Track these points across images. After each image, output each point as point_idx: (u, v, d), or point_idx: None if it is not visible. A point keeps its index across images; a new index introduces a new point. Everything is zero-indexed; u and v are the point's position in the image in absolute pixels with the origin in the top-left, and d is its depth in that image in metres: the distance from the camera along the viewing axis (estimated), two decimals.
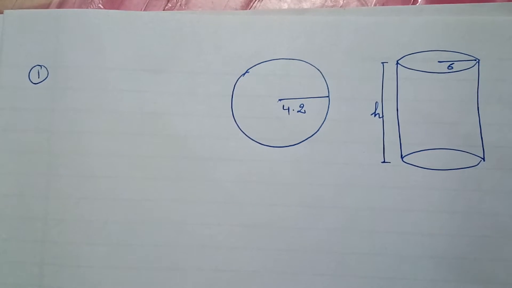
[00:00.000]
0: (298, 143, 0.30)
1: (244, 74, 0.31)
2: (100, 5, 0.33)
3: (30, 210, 0.30)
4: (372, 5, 0.33)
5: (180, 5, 0.33)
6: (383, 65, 0.31)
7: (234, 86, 0.31)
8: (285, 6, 0.33)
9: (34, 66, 0.31)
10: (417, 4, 0.33)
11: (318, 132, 0.30)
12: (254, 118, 0.31)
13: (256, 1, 0.33)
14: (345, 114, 0.30)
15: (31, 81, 0.31)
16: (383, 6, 0.33)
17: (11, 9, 0.33)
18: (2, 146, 0.30)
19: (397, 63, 0.31)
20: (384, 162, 0.30)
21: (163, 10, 0.33)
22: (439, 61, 0.31)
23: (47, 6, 0.33)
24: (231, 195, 0.30)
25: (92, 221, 0.30)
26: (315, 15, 0.32)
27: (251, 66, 0.31)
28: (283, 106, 0.31)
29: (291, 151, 0.30)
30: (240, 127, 0.30)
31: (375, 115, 0.30)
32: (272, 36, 0.31)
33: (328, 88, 0.31)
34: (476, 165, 0.30)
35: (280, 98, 0.31)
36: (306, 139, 0.30)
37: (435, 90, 0.31)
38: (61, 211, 0.30)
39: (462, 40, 0.31)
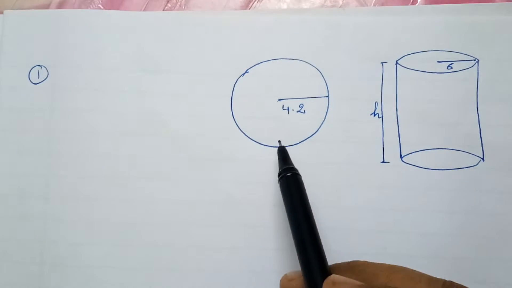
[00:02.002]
0: (298, 143, 0.30)
1: (243, 74, 0.31)
2: (100, 5, 0.33)
3: (30, 210, 0.30)
4: (372, 5, 0.33)
5: (179, 5, 0.33)
6: (382, 65, 0.31)
7: (234, 86, 0.31)
8: (284, 6, 0.33)
9: (34, 66, 0.31)
10: (417, 4, 0.33)
11: (317, 132, 0.30)
12: (254, 118, 0.31)
13: (256, 1, 0.33)
14: (345, 114, 0.30)
15: (31, 81, 0.31)
16: (383, 6, 0.33)
17: (11, 9, 0.33)
18: (2, 146, 0.30)
19: (397, 63, 0.31)
20: (383, 162, 0.30)
21: (163, 10, 0.33)
22: (438, 61, 0.31)
23: (47, 6, 0.33)
24: (230, 195, 0.30)
25: (91, 221, 0.30)
26: (315, 15, 0.32)
27: (251, 66, 0.31)
28: (283, 106, 0.31)
29: (291, 151, 0.30)
30: (240, 127, 0.31)
31: (374, 115, 0.30)
32: (272, 36, 0.31)
33: (327, 88, 0.31)
34: (476, 165, 0.30)
35: (279, 98, 0.31)
36: (306, 139, 0.30)
37: (435, 90, 0.31)
38: (61, 211, 0.30)
39: (461, 40, 0.31)
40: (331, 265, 0.24)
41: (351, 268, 0.22)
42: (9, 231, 0.30)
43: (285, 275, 0.25)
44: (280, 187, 0.27)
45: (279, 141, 0.30)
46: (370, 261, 0.22)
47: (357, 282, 0.21)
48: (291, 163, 0.28)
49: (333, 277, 0.22)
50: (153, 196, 0.30)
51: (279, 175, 0.27)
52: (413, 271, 0.21)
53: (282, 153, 0.29)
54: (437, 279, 0.20)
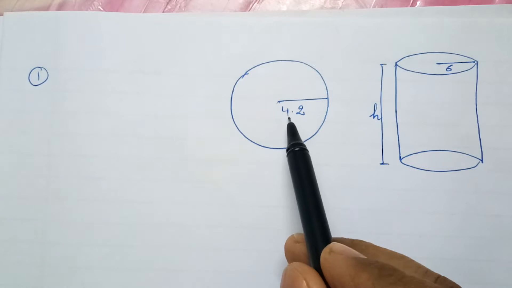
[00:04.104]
0: None
1: (243, 75, 0.31)
2: (99, 7, 0.33)
3: (30, 211, 0.30)
4: (371, 7, 0.33)
5: (179, 7, 0.33)
6: (382, 66, 0.31)
7: (234, 87, 0.31)
8: (284, 7, 0.33)
9: (34, 68, 0.31)
10: (416, 6, 0.33)
11: (317, 133, 0.30)
12: (253, 119, 0.31)
13: (255, 3, 0.33)
14: (344, 115, 0.30)
15: (31, 83, 0.31)
16: (382, 8, 0.33)
17: (11, 11, 0.33)
18: (2, 147, 0.30)
19: (396, 64, 0.31)
20: (382, 163, 0.30)
21: (163, 12, 0.33)
22: (437, 63, 0.31)
23: (47, 8, 0.33)
24: (230, 197, 0.30)
25: (91, 222, 0.30)
26: (314, 17, 0.32)
27: (251, 67, 0.31)
28: (282, 107, 0.31)
29: None
30: (239, 129, 0.31)
31: (373, 117, 0.30)
32: (271, 37, 0.32)
33: (327, 89, 0.31)
34: (474, 166, 0.30)
35: (279, 100, 0.31)
36: (305, 140, 0.30)
37: (434, 91, 0.31)
38: (61, 213, 0.30)
39: (460, 42, 0.31)
40: (334, 238, 0.23)
41: (353, 245, 0.22)
42: (9, 232, 0.30)
43: (292, 236, 0.25)
44: (288, 161, 0.27)
45: (289, 118, 0.30)
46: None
47: (354, 253, 0.21)
48: (300, 139, 0.28)
49: (332, 245, 0.21)
50: (153, 197, 0.30)
51: (287, 149, 0.28)
52: (412, 260, 0.21)
53: (291, 129, 0.29)
54: (432, 272, 0.20)
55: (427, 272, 0.21)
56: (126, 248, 0.29)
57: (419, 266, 0.21)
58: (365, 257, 0.21)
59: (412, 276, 0.18)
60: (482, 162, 0.30)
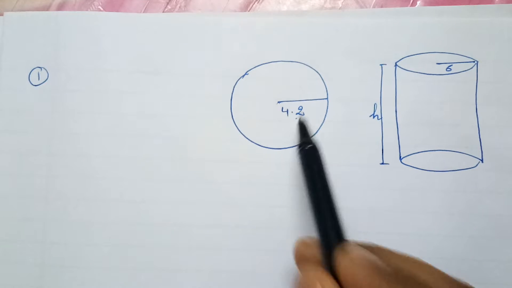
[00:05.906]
0: (297, 145, 0.30)
1: (243, 76, 0.31)
2: (100, 7, 0.33)
3: (30, 211, 0.30)
4: (371, 7, 0.33)
5: (179, 7, 0.33)
6: (381, 67, 0.31)
7: (234, 88, 0.31)
8: (284, 8, 0.33)
9: (34, 68, 0.31)
10: (416, 6, 0.33)
11: (316, 134, 0.30)
12: (253, 120, 0.31)
13: (255, 3, 0.33)
14: (344, 116, 0.31)
15: (31, 83, 0.31)
16: (382, 8, 0.33)
17: (11, 11, 0.33)
18: (2, 147, 0.31)
19: (396, 65, 0.31)
20: (382, 163, 0.30)
21: (163, 12, 0.33)
22: (437, 63, 0.31)
23: (47, 8, 0.33)
24: (230, 197, 0.30)
25: (92, 222, 0.30)
26: (314, 17, 0.32)
27: (251, 68, 0.31)
28: (282, 108, 0.31)
29: (290, 153, 0.30)
30: (239, 129, 0.31)
31: (373, 117, 0.31)
32: (271, 38, 0.32)
33: (327, 90, 0.31)
34: (474, 166, 0.30)
35: (279, 101, 0.31)
36: None
37: (434, 91, 0.31)
38: (61, 212, 0.30)
39: (460, 41, 0.31)
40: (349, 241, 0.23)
41: (368, 248, 0.22)
42: (9, 232, 0.30)
43: (303, 241, 0.24)
44: (299, 159, 0.27)
45: (299, 114, 0.30)
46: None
47: (369, 255, 0.20)
48: (310, 136, 0.28)
49: (348, 246, 0.21)
50: (153, 197, 0.30)
51: (299, 147, 0.27)
52: (431, 266, 0.21)
53: (302, 126, 0.29)
54: (451, 278, 0.20)
55: (445, 277, 0.20)
56: (126, 248, 0.29)
57: (442, 274, 0.20)
58: (380, 260, 0.20)
59: (426, 282, 0.18)
60: (482, 162, 0.30)
